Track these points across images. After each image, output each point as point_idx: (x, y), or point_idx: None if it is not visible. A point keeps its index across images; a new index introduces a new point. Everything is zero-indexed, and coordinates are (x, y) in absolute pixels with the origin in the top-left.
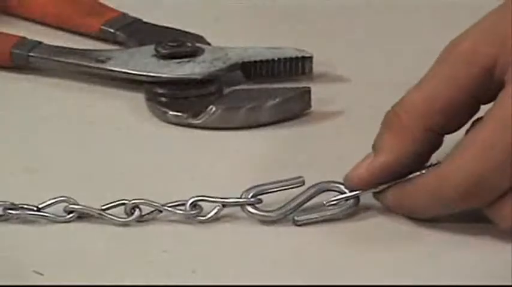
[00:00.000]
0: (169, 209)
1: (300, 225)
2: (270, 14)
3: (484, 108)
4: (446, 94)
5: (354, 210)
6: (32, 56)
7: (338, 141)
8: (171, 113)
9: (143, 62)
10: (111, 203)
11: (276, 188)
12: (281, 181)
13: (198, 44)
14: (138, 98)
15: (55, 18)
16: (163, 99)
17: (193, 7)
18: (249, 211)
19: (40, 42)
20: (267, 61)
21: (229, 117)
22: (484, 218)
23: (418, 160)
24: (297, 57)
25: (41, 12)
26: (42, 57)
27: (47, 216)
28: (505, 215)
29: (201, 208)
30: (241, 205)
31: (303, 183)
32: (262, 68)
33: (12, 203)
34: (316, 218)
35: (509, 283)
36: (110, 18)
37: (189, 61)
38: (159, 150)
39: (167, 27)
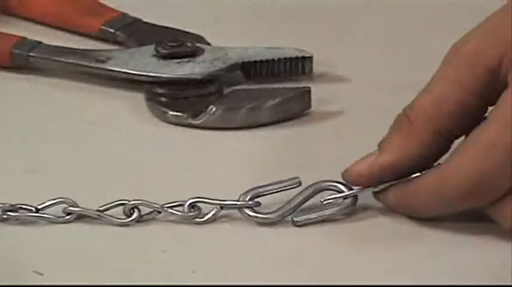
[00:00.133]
0: (168, 210)
1: (299, 226)
2: (270, 14)
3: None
4: (453, 97)
5: (352, 209)
6: (32, 56)
7: (338, 142)
8: (171, 113)
9: (143, 62)
10: (109, 203)
11: (273, 189)
12: (278, 182)
13: (198, 44)
14: (138, 98)
15: (55, 18)
16: (163, 99)
17: (193, 7)
18: (248, 214)
19: (40, 42)
20: (267, 61)
21: (229, 117)
22: (484, 217)
23: (423, 163)
24: (297, 57)
25: (41, 12)
26: (42, 57)
27: (46, 217)
28: (507, 214)
29: (199, 209)
30: (240, 208)
31: (300, 183)
32: (262, 68)
33: (11, 205)
34: (315, 218)
35: (509, 283)
36: (110, 18)
37: (189, 61)
38: (159, 150)
39: (167, 27)
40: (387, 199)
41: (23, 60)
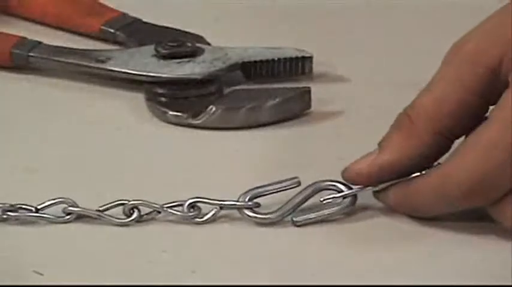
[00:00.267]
0: (167, 210)
1: (298, 225)
2: (270, 14)
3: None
4: (454, 96)
5: (352, 209)
6: (32, 56)
7: (338, 142)
8: (171, 113)
9: (143, 62)
10: (109, 203)
11: (273, 190)
12: (277, 183)
13: (198, 44)
14: (138, 98)
15: (55, 18)
16: (163, 99)
17: (193, 7)
18: (247, 214)
19: (40, 42)
20: (267, 61)
21: (229, 117)
22: (484, 217)
23: (422, 162)
24: (297, 57)
25: (41, 12)
26: (42, 57)
27: (45, 217)
28: (507, 214)
29: (199, 209)
30: (239, 209)
31: (299, 183)
32: (262, 68)
33: (11, 205)
34: (315, 217)
35: (510, 283)
36: (110, 18)
37: (189, 61)
38: (159, 150)
39: (167, 27)
40: (387, 198)
41: (23, 60)
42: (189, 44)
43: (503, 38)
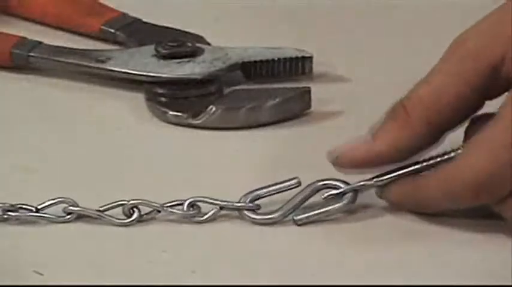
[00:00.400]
0: (167, 209)
1: (300, 225)
2: (270, 14)
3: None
4: (453, 89)
5: (352, 206)
6: (32, 56)
7: (338, 142)
8: (171, 113)
9: (143, 62)
10: (109, 204)
11: (273, 191)
12: (278, 183)
13: (198, 44)
14: (138, 98)
15: (55, 18)
16: (163, 99)
17: (193, 7)
18: (248, 216)
19: (40, 42)
20: (267, 61)
21: (229, 117)
22: (484, 217)
23: (413, 153)
24: (297, 57)
25: (41, 12)
26: (42, 57)
27: (46, 217)
28: None
29: (199, 208)
30: (240, 210)
31: (300, 184)
32: (262, 68)
33: (11, 205)
34: (316, 215)
35: (509, 283)
36: (110, 18)
37: (189, 61)
38: (159, 150)
39: (167, 27)
40: (390, 194)
41: (23, 60)
42: (189, 44)
43: (504, 36)
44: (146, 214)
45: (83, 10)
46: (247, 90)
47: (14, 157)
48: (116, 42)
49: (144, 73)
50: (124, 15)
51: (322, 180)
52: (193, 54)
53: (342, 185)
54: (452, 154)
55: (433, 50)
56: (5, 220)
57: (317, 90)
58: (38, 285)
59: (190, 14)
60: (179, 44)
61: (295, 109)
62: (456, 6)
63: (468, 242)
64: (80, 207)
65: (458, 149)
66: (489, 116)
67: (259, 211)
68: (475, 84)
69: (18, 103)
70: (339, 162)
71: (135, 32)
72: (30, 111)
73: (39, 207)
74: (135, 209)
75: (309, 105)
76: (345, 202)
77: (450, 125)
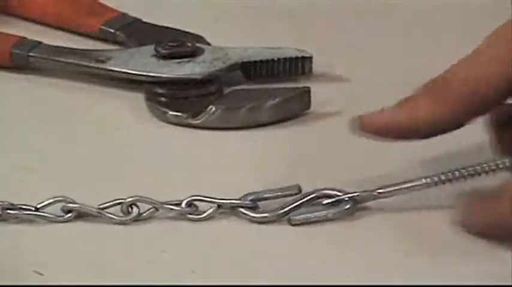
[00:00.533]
0: (165, 206)
1: (294, 225)
2: (270, 14)
3: None
4: (496, 69)
5: (350, 212)
6: (32, 56)
7: (338, 141)
8: (171, 113)
9: (143, 62)
10: (108, 202)
11: (273, 196)
12: (277, 189)
13: (198, 44)
14: (138, 98)
15: (55, 18)
16: (163, 99)
17: (193, 7)
18: (244, 213)
19: (40, 42)
20: (267, 61)
21: (229, 117)
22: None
23: (431, 133)
24: (296, 57)
25: (41, 12)
26: (42, 57)
27: (45, 216)
28: None
29: (196, 207)
30: (237, 207)
31: (300, 191)
32: (262, 68)
33: (11, 204)
34: (313, 218)
35: (509, 283)
36: (110, 18)
37: (189, 61)
38: (159, 150)
39: (167, 27)
40: (474, 225)
41: (23, 60)
42: (189, 44)
43: None
44: (145, 212)
45: (83, 10)
46: (247, 90)
47: (14, 157)
48: (116, 42)
49: (144, 73)
50: (124, 15)
51: (323, 189)
52: (193, 54)
53: (341, 194)
54: (501, 166)
55: (433, 50)
56: (4, 219)
57: (317, 91)
58: (38, 285)
59: (190, 14)
60: (179, 44)
61: (295, 109)
62: (456, 6)
63: (468, 242)
64: (79, 204)
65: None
66: None
67: (256, 210)
68: None
69: (18, 103)
70: (361, 123)
71: (135, 32)
72: (30, 111)
73: (38, 206)
74: (133, 206)
75: (308, 106)
76: (343, 209)
77: (485, 107)
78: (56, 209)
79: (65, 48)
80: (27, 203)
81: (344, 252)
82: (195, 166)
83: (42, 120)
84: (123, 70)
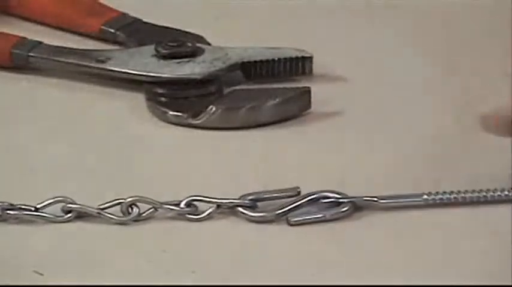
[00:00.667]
0: (165, 206)
1: (293, 225)
2: (270, 14)
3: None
4: None
5: (349, 213)
6: (32, 56)
7: (338, 141)
8: (171, 113)
9: (143, 62)
10: (108, 202)
11: (272, 197)
12: (277, 190)
13: (198, 44)
14: (138, 98)
15: (55, 18)
16: (163, 99)
17: (193, 7)
18: (243, 212)
19: (40, 42)
20: (267, 61)
21: (229, 117)
22: (482, 216)
23: None
24: (297, 58)
25: (41, 12)
26: (42, 57)
27: (45, 216)
28: None
29: (196, 207)
30: (236, 206)
31: (299, 193)
32: (262, 68)
33: (11, 204)
34: (311, 219)
35: (509, 283)
36: (110, 18)
37: (189, 61)
38: (159, 150)
39: (167, 27)
40: None
41: (23, 60)
42: (189, 44)
43: None
44: (144, 212)
45: (83, 10)
46: (247, 90)
47: (14, 157)
48: (116, 42)
49: (144, 73)
50: (124, 15)
51: (322, 191)
52: (193, 54)
53: (340, 197)
54: None
55: (433, 50)
56: (4, 219)
57: (317, 91)
58: (38, 285)
59: (190, 14)
60: (179, 44)
61: (295, 109)
62: (456, 6)
63: (468, 242)
64: (79, 204)
65: None
66: None
67: (255, 209)
68: None
69: (18, 103)
70: (486, 118)
71: (135, 32)
72: (30, 111)
73: (38, 206)
74: (133, 206)
75: (308, 106)
76: (341, 211)
77: None
78: (56, 209)
79: (65, 48)
80: (27, 204)
81: (343, 252)
82: (195, 166)
83: (42, 120)
84: (123, 70)
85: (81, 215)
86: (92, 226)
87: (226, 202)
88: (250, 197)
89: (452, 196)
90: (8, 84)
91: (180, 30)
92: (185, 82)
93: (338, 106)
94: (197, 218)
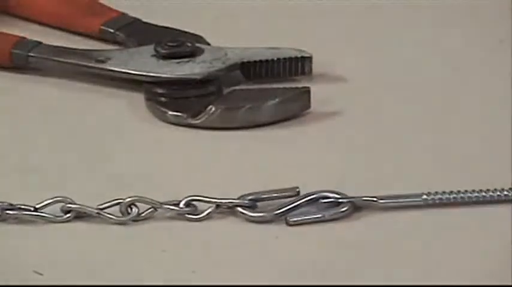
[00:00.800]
0: (164, 206)
1: (292, 225)
2: (270, 14)
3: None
4: None
5: (348, 214)
6: (32, 56)
7: (338, 141)
8: (170, 113)
9: (143, 62)
10: (108, 202)
11: (271, 197)
12: (276, 190)
13: (197, 44)
14: (138, 98)
15: (55, 18)
16: (163, 99)
17: (193, 7)
18: (242, 212)
19: (40, 42)
20: (267, 61)
21: (229, 117)
22: (482, 216)
23: None
24: (296, 57)
25: (40, 12)
26: (42, 57)
27: (44, 216)
28: None
29: (195, 207)
30: (235, 206)
31: (298, 193)
32: (262, 68)
33: (10, 204)
34: (310, 219)
35: (509, 283)
36: (110, 18)
37: (188, 61)
38: (159, 150)
39: (167, 27)
40: None
41: (23, 60)
42: (189, 44)
43: None
44: (144, 212)
45: (83, 10)
46: (247, 91)
47: (14, 157)
48: (115, 42)
49: (144, 73)
50: (124, 15)
51: (322, 191)
52: (192, 54)
53: (339, 197)
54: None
55: (433, 50)
56: (3, 219)
57: (317, 91)
58: (38, 285)
59: (190, 14)
60: (179, 44)
61: (295, 109)
62: (456, 6)
63: (467, 242)
64: (78, 204)
65: None
66: None
67: (255, 209)
68: None
69: (18, 103)
70: None
71: (134, 32)
72: (30, 111)
73: (37, 206)
74: (132, 206)
75: (308, 106)
76: (340, 211)
77: None
78: (56, 209)
79: (65, 48)
80: (26, 204)
81: (342, 252)
82: (195, 165)
83: (42, 120)
84: (123, 70)
85: (80, 215)
86: (91, 226)
87: (225, 202)
88: (249, 197)
89: (452, 196)
90: (8, 84)
91: (179, 30)
92: (185, 82)
93: (338, 106)
94: (196, 218)
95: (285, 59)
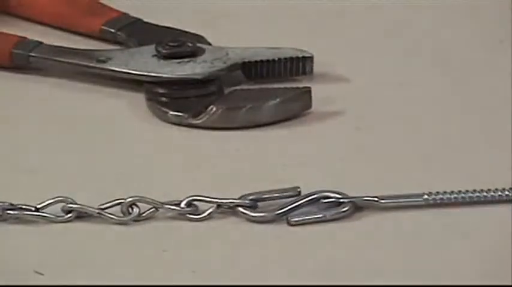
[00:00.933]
0: (165, 206)
1: (293, 225)
2: (270, 14)
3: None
4: None
5: (349, 214)
6: (32, 56)
7: (338, 142)
8: (171, 113)
9: (143, 62)
10: (109, 202)
11: (272, 197)
12: (277, 190)
13: (198, 44)
14: (138, 98)
15: (55, 18)
16: (163, 99)
17: (193, 7)
18: (243, 212)
19: (40, 42)
20: (268, 61)
21: (230, 117)
22: (482, 216)
23: None
24: (297, 57)
25: (41, 12)
26: (43, 57)
27: (45, 216)
28: None
29: (196, 206)
30: (236, 206)
31: (299, 193)
32: (263, 68)
33: (11, 204)
34: (311, 219)
35: (509, 283)
36: (111, 18)
37: (189, 61)
38: (159, 150)
39: (168, 27)
40: None
41: (23, 60)
42: (190, 44)
43: None
44: (145, 212)
45: (83, 10)
46: (248, 90)
47: (14, 157)
48: (116, 42)
49: (145, 73)
50: (124, 15)
51: (323, 191)
52: (193, 54)
53: (341, 197)
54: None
55: (433, 50)
56: (4, 219)
57: (317, 91)
58: (38, 285)
59: (191, 14)
60: (179, 44)
61: (296, 109)
62: (456, 6)
63: (467, 242)
64: (79, 204)
65: None
66: None
67: (255, 209)
68: None
69: (18, 103)
70: None
71: (135, 32)
72: (30, 111)
73: (38, 206)
74: (133, 206)
75: (309, 106)
76: (341, 211)
77: None
78: (56, 209)
79: (66, 48)
80: (27, 204)
81: (343, 252)
82: (195, 166)
83: (43, 120)
84: (123, 70)
85: (81, 215)
86: (92, 226)
87: (226, 202)
88: (250, 197)
89: (452, 196)
90: (8, 84)
91: (180, 30)
92: (185, 82)
93: (339, 106)
94: (197, 218)
95: (286, 59)
